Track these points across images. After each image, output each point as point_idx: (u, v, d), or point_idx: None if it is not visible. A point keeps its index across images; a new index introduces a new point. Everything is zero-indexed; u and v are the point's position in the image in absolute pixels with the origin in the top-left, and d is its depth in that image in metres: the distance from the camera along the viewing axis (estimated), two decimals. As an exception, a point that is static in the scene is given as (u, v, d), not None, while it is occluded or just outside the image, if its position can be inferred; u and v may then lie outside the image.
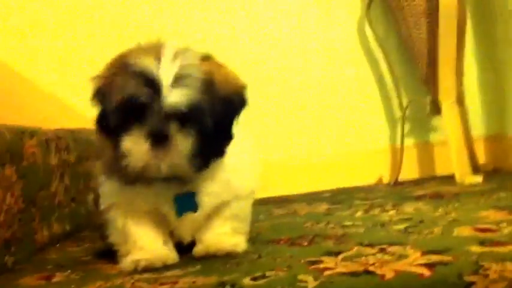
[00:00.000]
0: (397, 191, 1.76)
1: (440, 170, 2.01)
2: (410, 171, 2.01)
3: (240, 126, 1.00)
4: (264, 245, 1.08)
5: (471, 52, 2.05)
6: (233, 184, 0.99)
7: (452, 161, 1.79)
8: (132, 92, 0.87)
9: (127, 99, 0.87)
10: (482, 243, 0.89)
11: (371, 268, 0.81)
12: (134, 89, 0.87)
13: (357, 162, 2.01)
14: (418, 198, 1.53)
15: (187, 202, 0.97)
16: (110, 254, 1.05)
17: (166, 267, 0.95)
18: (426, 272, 0.76)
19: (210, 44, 1.91)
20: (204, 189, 0.97)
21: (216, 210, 1.01)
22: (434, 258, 0.83)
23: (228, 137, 0.95)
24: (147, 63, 0.87)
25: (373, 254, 0.89)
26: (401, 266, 0.80)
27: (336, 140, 2.02)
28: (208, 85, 0.90)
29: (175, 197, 0.96)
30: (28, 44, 1.92)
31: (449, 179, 1.79)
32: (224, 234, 1.02)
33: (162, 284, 0.84)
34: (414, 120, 2.04)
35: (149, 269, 0.94)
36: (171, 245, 1.01)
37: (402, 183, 1.92)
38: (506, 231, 0.98)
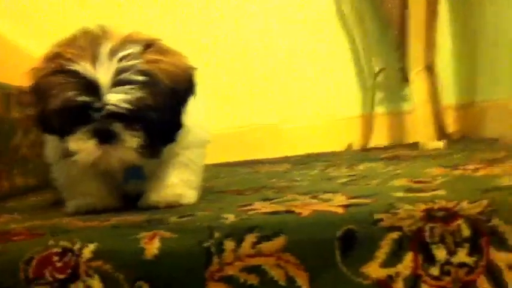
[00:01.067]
0: (361, 155, 1.79)
1: (410, 138, 2.03)
2: (380, 139, 2.04)
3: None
4: (211, 194, 1.11)
5: (445, 22, 2.06)
6: (182, 138, 0.97)
7: (417, 128, 1.81)
8: (70, 96, 0.86)
9: (66, 103, 0.86)
10: (408, 190, 0.92)
11: (292, 208, 0.84)
12: (73, 92, 0.85)
13: (328, 129, 2.04)
14: (376, 159, 1.56)
15: (134, 172, 0.98)
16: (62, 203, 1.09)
17: (108, 211, 0.98)
18: (340, 211, 0.79)
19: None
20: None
21: (164, 162, 1.01)
22: (354, 201, 0.86)
23: (177, 126, 0.94)
24: (83, 63, 0.86)
25: (302, 200, 0.93)
26: (321, 206, 0.83)
27: (307, 107, 2.05)
28: (151, 78, 0.87)
29: (125, 170, 0.96)
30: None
31: (415, 146, 1.82)
32: (171, 185, 1.00)
33: (92, 221, 0.87)
34: (385, 88, 2.06)
35: (90, 211, 0.97)
36: (115, 195, 1.03)
37: (370, 150, 1.95)
38: (437, 182, 1.01)
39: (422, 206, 0.78)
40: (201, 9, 2.01)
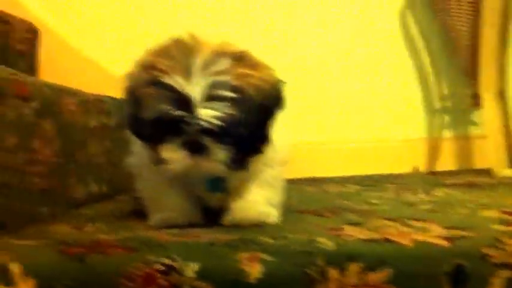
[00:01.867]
0: (430, 179, 1.75)
1: (478, 164, 1.98)
2: (446, 163, 1.99)
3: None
4: (290, 214, 1.09)
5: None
6: (267, 155, 0.97)
7: (490, 154, 1.76)
8: (164, 109, 0.86)
9: (159, 115, 0.87)
10: (504, 223, 0.89)
11: (390, 237, 0.81)
12: (166, 106, 0.86)
13: (393, 150, 2.00)
14: (451, 185, 1.51)
15: (216, 184, 0.98)
16: (142, 214, 1.09)
17: (192, 226, 0.98)
18: (445, 244, 0.76)
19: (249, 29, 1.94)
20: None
21: (247, 178, 1.00)
22: (454, 232, 0.83)
23: (264, 139, 0.93)
24: (177, 77, 0.86)
25: (395, 227, 0.90)
26: (421, 236, 0.81)
27: (374, 127, 2.02)
28: (241, 94, 0.87)
29: (206, 180, 0.97)
30: (76, 11, 1.98)
31: (486, 172, 1.77)
32: (255, 203, 1.00)
33: (184, 236, 0.86)
34: (454, 112, 2.01)
35: (175, 226, 0.97)
36: (198, 208, 1.02)
37: (437, 174, 1.90)
38: (533, 215, 0.97)
39: (532, 243, 0.74)
40: (269, 28, 2.00)
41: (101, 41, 1.98)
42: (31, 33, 1.84)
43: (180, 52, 0.90)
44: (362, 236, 0.82)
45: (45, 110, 1.10)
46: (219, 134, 0.87)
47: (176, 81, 0.86)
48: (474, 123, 2.02)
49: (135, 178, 1.05)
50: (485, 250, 0.73)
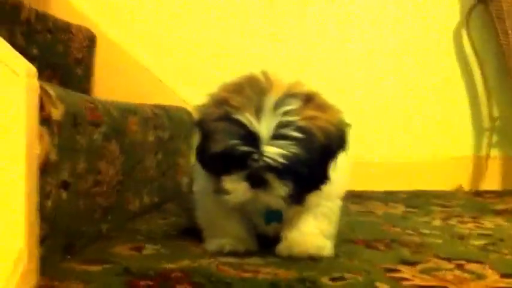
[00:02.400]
0: (476, 201, 1.75)
1: (523, 185, 1.97)
2: (492, 183, 1.98)
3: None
4: (341, 244, 1.11)
5: None
6: (324, 190, 0.99)
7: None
8: (234, 144, 0.90)
9: (228, 149, 0.91)
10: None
11: (448, 285, 0.83)
12: (236, 141, 0.90)
13: (439, 166, 2.00)
14: (498, 212, 1.52)
15: (274, 215, 1.01)
16: (193, 232, 1.13)
17: (248, 254, 1.01)
18: (503, 297, 0.78)
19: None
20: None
21: (304, 210, 1.03)
22: (509, 282, 0.84)
23: (324, 177, 0.96)
24: (248, 115, 0.90)
25: (451, 270, 0.92)
26: (480, 287, 0.82)
27: (422, 143, 2.02)
28: (307, 135, 0.91)
29: (266, 212, 1.00)
30: (131, 22, 2.03)
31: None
32: (310, 235, 1.03)
33: (244, 271, 0.89)
34: (503, 133, 2.00)
35: (232, 253, 1.01)
36: (253, 236, 1.06)
37: (482, 194, 1.90)
38: None
39: None
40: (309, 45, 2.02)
41: (153, 48, 2.02)
42: (89, 41, 1.89)
43: (252, 90, 0.94)
44: (419, 282, 0.84)
45: (112, 133, 1.14)
46: (282, 171, 0.91)
47: (247, 118, 0.90)
48: (521, 144, 2.01)
49: (196, 204, 1.09)
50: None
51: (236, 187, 0.93)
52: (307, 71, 1.97)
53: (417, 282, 0.85)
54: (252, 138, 0.90)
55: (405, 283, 0.84)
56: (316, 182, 0.97)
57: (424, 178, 1.98)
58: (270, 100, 0.91)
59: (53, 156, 0.88)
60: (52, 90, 0.89)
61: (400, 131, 2.01)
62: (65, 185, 0.94)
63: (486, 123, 2.00)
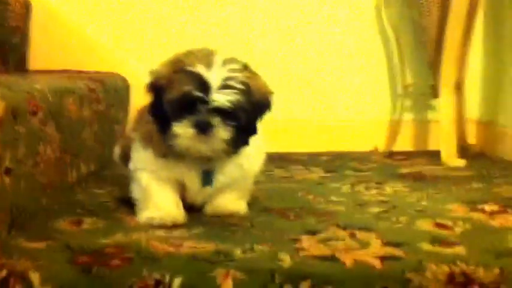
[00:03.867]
0: (386, 164, 1.95)
1: (432, 146, 2.18)
2: (404, 143, 2.19)
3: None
4: (258, 214, 1.28)
5: (479, 39, 2.17)
6: (245, 167, 1.23)
7: (441, 143, 1.96)
8: (187, 90, 1.10)
9: (183, 96, 1.10)
10: (433, 241, 1.09)
11: (337, 254, 1.01)
12: (189, 88, 1.10)
13: (356, 129, 2.19)
14: (402, 176, 1.72)
15: (207, 178, 1.21)
16: (127, 204, 1.28)
17: (175, 225, 1.17)
18: (378, 265, 0.96)
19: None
20: (221, 169, 1.21)
21: (229, 182, 1.25)
22: (389, 251, 1.03)
23: (254, 131, 1.19)
24: (200, 68, 1.10)
25: (343, 239, 1.10)
26: (361, 255, 1.00)
27: (341, 107, 2.20)
28: (247, 88, 1.13)
29: (203, 173, 1.20)
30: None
31: (438, 155, 1.96)
32: (229, 200, 1.27)
33: (170, 245, 1.05)
34: (415, 98, 2.20)
35: (161, 225, 1.16)
36: (181, 207, 1.23)
37: (394, 155, 2.10)
38: (458, 230, 1.18)
39: (446, 269, 0.95)
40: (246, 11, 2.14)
41: (88, 13, 2.09)
42: (25, 8, 1.93)
43: (201, 53, 1.15)
44: (315, 252, 1.02)
45: (49, 116, 1.25)
46: (226, 115, 1.11)
47: (200, 69, 1.11)
48: (432, 109, 2.21)
49: (131, 179, 1.24)
50: (409, 275, 0.93)
51: (185, 131, 1.11)
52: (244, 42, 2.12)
53: (312, 252, 1.02)
54: (203, 86, 1.10)
55: (302, 253, 1.01)
56: (248, 133, 1.17)
57: (344, 140, 2.17)
58: (218, 59, 1.12)
59: (-4, 149, 0.99)
60: (-7, 89, 0.99)
61: (323, 95, 2.19)
62: (7, 171, 1.05)
63: (400, 89, 2.19)
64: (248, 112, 1.13)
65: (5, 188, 1.04)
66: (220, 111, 1.10)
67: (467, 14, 1.94)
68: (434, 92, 2.05)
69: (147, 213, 1.20)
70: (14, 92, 1.10)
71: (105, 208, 1.32)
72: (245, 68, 1.16)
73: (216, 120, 1.10)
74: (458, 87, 2.05)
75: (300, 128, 2.17)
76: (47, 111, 1.24)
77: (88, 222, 1.20)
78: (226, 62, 1.12)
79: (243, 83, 1.12)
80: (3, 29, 1.79)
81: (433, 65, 2.03)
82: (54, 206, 1.29)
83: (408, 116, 2.22)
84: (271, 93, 1.20)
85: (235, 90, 1.11)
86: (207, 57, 1.12)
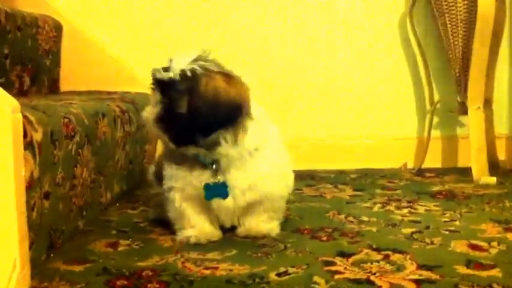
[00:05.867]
0: (416, 181, 1.94)
1: (462, 162, 2.16)
2: (434, 160, 2.18)
3: (276, 138, 1.26)
4: (290, 235, 1.29)
5: (506, 54, 2.16)
6: (262, 189, 1.22)
7: (472, 161, 1.95)
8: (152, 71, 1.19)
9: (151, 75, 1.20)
10: (468, 263, 1.08)
11: (372, 277, 1.01)
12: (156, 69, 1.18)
13: (385, 146, 2.18)
14: (433, 195, 1.71)
15: (216, 190, 1.20)
16: (159, 224, 1.33)
17: (209, 247, 1.19)
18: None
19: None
20: (237, 185, 1.21)
21: (253, 204, 1.26)
22: (424, 274, 1.02)
23: (206, 127, 1.15)
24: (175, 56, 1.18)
25: (377, 261, 1.10)
26: (397, 279, 1.00)
27: (369, 124, 2.20)
28: (193, 79, 1.13)
29: (205, 184, 1.20)
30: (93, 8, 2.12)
31: (468, 171, 1.94)
32: (262, 221, 1.29)
33: (205, 267, 1.06)
34: (443, 114, 2.19)
35: (197, 243, 1.21)
36: (216, 225, 1.27)
37: (423, 172, 2.09)
38: (493, 251, 1.17)
39: (482, 293, 0.94)
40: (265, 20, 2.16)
41: (116, 32, 2.13)
42: (56, 30, 1.98)
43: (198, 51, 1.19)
44: (350, 276, 1.02)
45: (84, 140, 1.28)
46: (164, 93, 1.16)
47: (173, 56, 1.19)
48: (460, 125, 2.20)
49: (166, 200, 1.26)
50: (444, 299, 0.93)
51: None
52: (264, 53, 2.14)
53: (347, 275, 1.02)
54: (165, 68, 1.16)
55: (337, 276, 1.02)
56: (197, 130, 1.15)
57: (373, 157, 2.17)
58: (196, 54, 1.17)
59: (36, 174, 1.02)
60: (32, 115, 1.02)
61: (351, 112, 2.20)
62: (46, 195, 1.08)
63: (428, 106, 2.18)
64: (190, 102, 1.13)
65: (44, 212, 1.07)
66: (161, 90, 1.16)
67: (494, 31, 1.93)
68: (462, 109, 2.04)
69: (183, 233, 1.24)
70: (51, 116, 1.13)
71: (139, 229, 1.34)
72: (219, 70, 1.16)
73: (156, 93, 1.17)
74: (487, 103, 2.03)
75: (327, 145, 2.18)
76: (82, 135, 1.26)
77: (123, 244, 1.22)
78: (198, 58, 1.16)
79: (193, 73, 1.13)
80: (36, 52, 1.83)
81: (460, 82, 2.02)
82: (90, 228, 1.32)
83: (436, 133, 2.20)
84: (234, 99, 1.15)
85: (180, 73, 1.13)
86: (193, 53, 1.17)
